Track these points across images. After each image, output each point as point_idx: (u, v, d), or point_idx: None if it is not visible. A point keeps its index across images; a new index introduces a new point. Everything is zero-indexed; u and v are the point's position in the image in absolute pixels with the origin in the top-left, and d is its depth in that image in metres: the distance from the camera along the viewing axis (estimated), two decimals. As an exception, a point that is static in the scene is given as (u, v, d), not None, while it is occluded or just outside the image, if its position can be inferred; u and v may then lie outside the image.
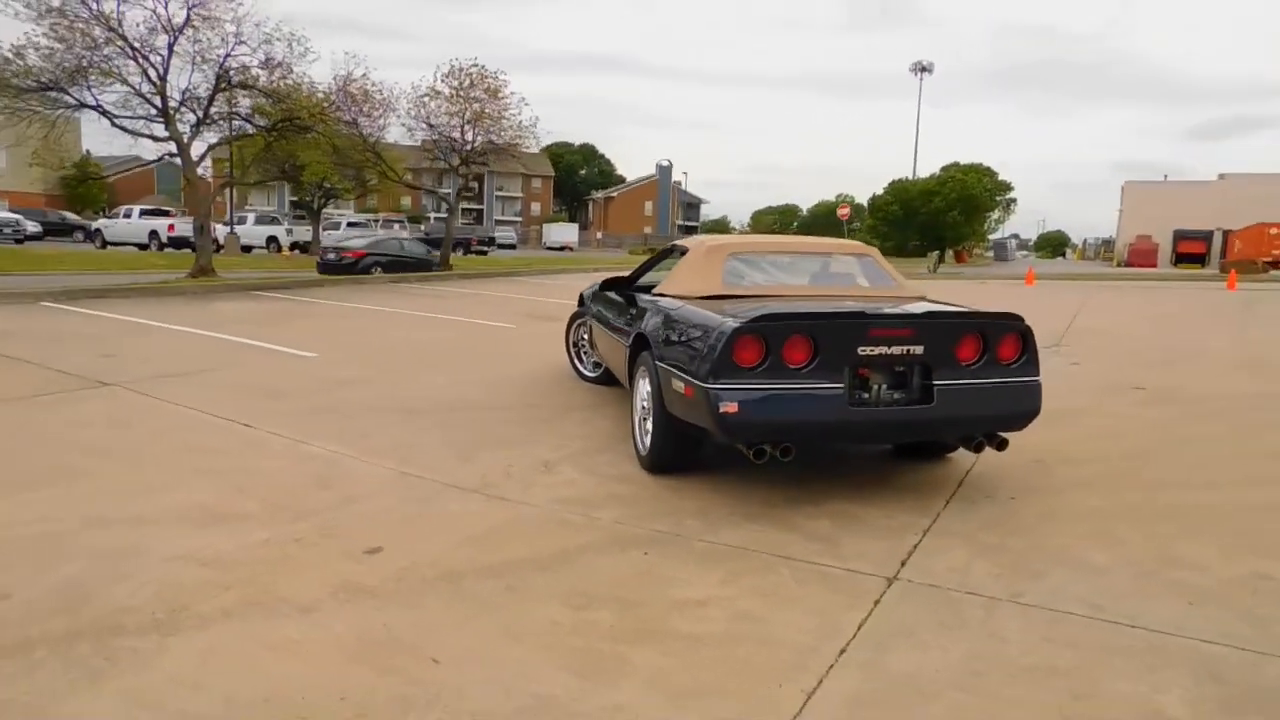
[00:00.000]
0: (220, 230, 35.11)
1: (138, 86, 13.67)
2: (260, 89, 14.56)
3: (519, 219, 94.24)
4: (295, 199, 46.26)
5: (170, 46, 13.75)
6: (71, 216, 42.68)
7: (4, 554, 3.36)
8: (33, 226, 37.00)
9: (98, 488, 4.20)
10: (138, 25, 13.36)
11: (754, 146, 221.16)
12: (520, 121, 20.57)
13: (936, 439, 4.52)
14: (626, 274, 6.32)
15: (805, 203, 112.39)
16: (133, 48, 13.37)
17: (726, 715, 2.37)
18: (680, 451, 4.43)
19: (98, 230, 35.32)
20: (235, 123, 15.60)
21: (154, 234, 33.45)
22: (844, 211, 39.77)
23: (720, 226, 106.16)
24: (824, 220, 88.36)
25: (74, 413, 5.65)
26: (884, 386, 3.96)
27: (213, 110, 14.59)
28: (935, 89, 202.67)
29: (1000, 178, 60.87)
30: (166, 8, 13.46)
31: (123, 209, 36.30)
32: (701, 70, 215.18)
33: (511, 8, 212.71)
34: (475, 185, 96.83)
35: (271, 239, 36.37)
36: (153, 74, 13.75)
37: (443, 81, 19.38)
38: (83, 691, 2.43)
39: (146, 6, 13.35)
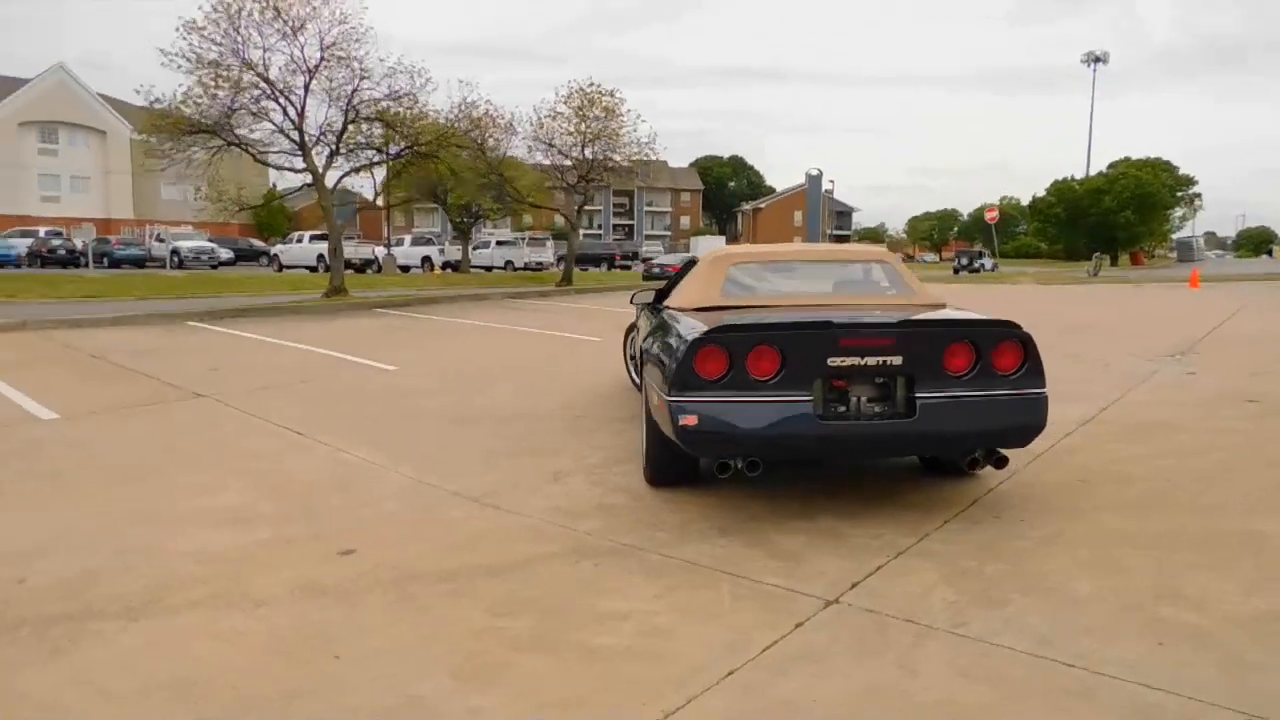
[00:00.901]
0: (379, 251, 38.05)
1: (279, 124, 15.15)
2: (384, 120, 15.73)
3: (668, 233, 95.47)
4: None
5: (306, 86, 15.15)
6: (257, 243, 47.37)
7: (51, 546, 3.82)
8: (225, 253, 41.34)
9: (153, 489, 4.69)
10: (279, 68, 14.82)
11: (914, 149, 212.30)
12: (638, 138, 20.96)
13: (923, 455, 4.24)
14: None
15: (966, 207, 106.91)
16: (276, 90, 14.82)
17: (576, 728, 2.36)
18: (675, 464, 4.38)
19: (274, 255, 38.97)
20: (365, 153, 16.90)
21: (320, 257, 36.49)
22: (992, 215, 37.62)
23: (873, 235, 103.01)
24: (984, 224, 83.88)
25: (163, 421, 6.31)
26: (864, 399, 3.77)
27: (344, 141, 15.91)
28: (1110, 79, 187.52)
29: (1181, 172, 55.48)
30: (303, 51, 14.85)
31: (295, 235, 39.84)
32: (858, 72, 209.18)
33: (662, 26, 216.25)
34: (625, 202, 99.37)
35: (425, 259, 38.92)
36: (291, 112, 15.20)
37: (564, 103, 20.09)
38: (38, 667, 2.75)
39: (285, 52, 14.78)
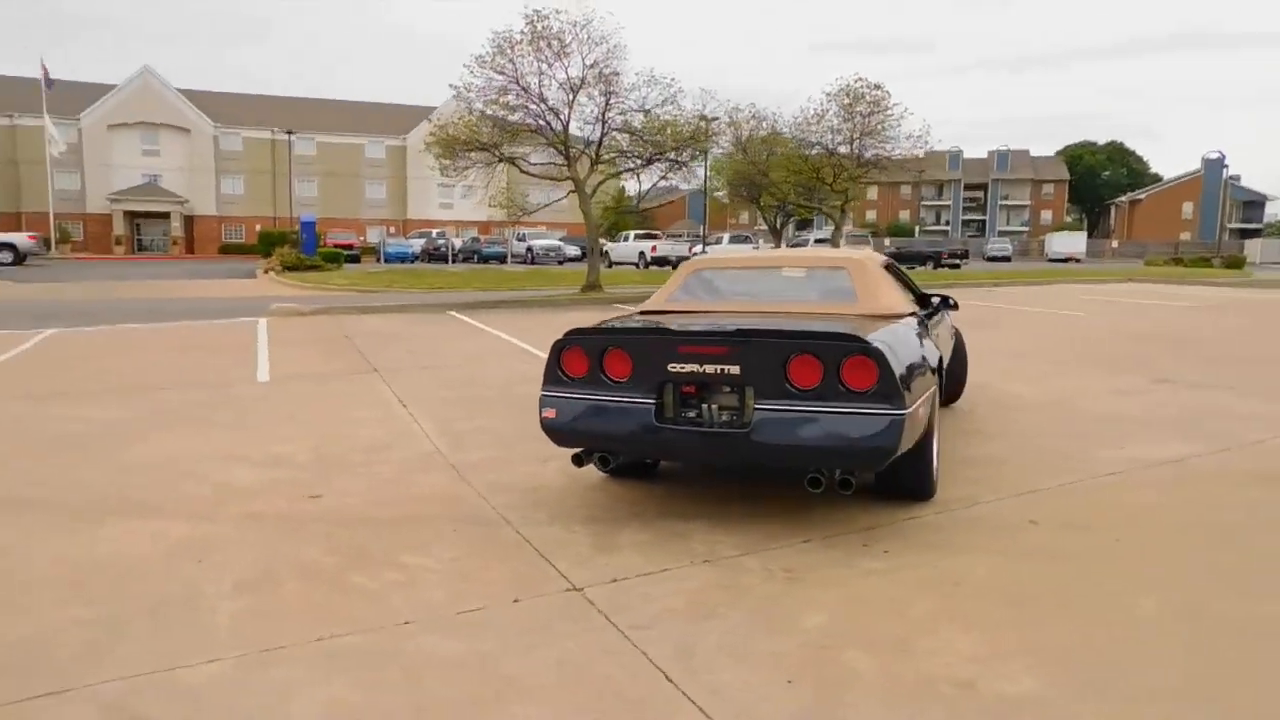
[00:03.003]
0: (696, 251, 40.23)
1: (550, 139, 17.09)
2: (629, 130, 16.95)
3: (1025, 229, 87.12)
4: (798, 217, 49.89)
5: (570, 104, 16.91)
6: (604, 241, 52.71)
7: (146, 469, 5.28)
8: (572, 251, 46.66)
9: (251, 435, 6.06)
10: (552, 89, 16.78)
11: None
12: (910, 132, 19.93)
13: (762, 467, 4.04)
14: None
15: None
16: (551, 110, 16.80)
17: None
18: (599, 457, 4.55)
19: (606, 251, 43.09)
20: (618, 160, 18.31)
21: (641, 254, 39.63)
22: None
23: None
24: None
25: (324, 389, 7.91)
26: (716, 407, 3.81)
27: (602, 150, 17.43)
28: None
29: None
30: (567, 71, 16.64)
31: (623, 234, 43.56)
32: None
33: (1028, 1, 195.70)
34: (980, 195, 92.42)
35: None
36: (557, 126, 17.05)
37: (831, 100, 19.80)
38: (49, 540, 4.03)
39: (558, 79, 16.69)
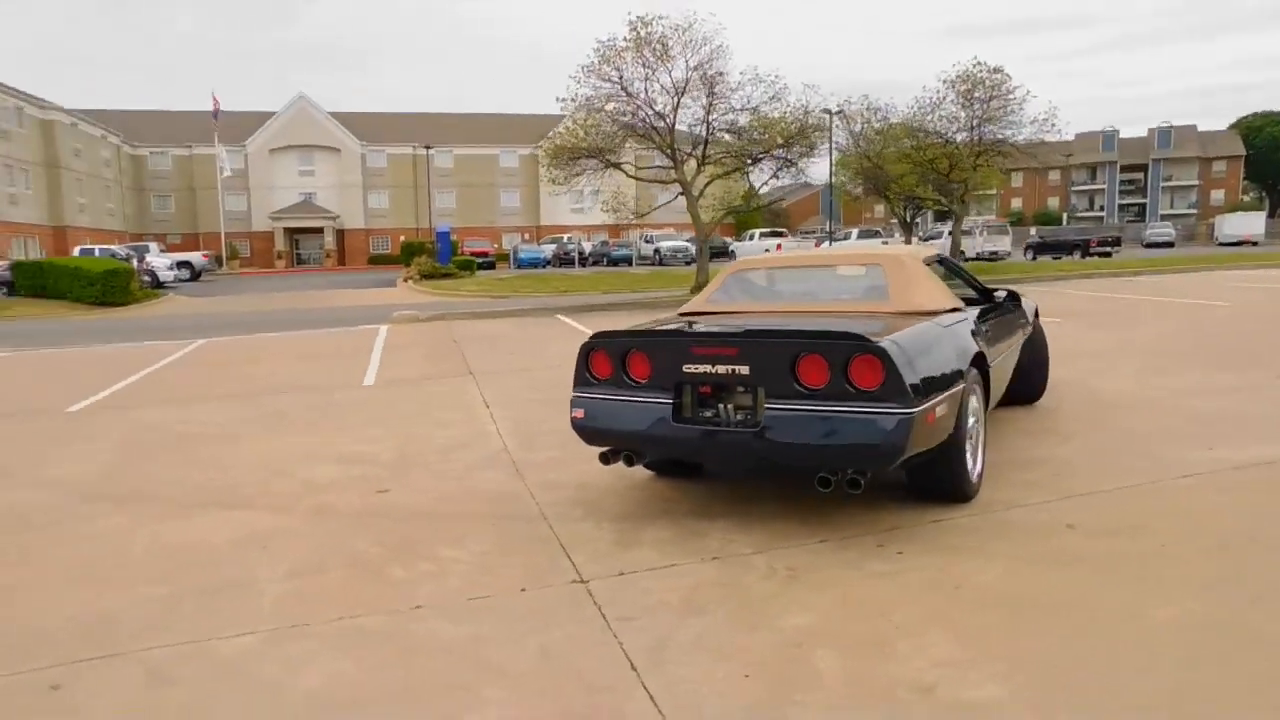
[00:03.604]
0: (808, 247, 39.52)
1: (657, 143, 17.32)
2: (732, 130, 16.88)
3: (1193, 210, 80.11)
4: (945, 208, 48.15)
5: (675, 107, 17.06)
6: (730, 241, 52.73)
7: (246, 467, 5.87)
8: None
9: (355, 435, 6.59)
10: (657, 93, 17.02)
11: None
12: (1035, 116, 18.82)
13: (775, 467, 4.01)
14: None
15: None
16: (660, 115, 17.04)
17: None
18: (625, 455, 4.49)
19: (732, 250, 43.08)
20: (725, 160, 18.26)
21: (767, 252, 39.41)
22: None
23: None
24: None
25: (420, 391, 8.43)
26: (729, 407, 3.88)
27: (708, 151, 17.47)
28: None
29: None
30: (671, 75, 16.81)
31: (749, 233, 43.43)
32: None
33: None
34: (1139, 177, 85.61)
35: None
36: (663, 129, 17.24)
37: (949, 87, 18.96)
38: (151, 528, 4.58)
39: (662, 83, 16.93)
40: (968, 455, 4.13)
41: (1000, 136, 19.32)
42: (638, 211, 19.96)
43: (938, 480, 4.11)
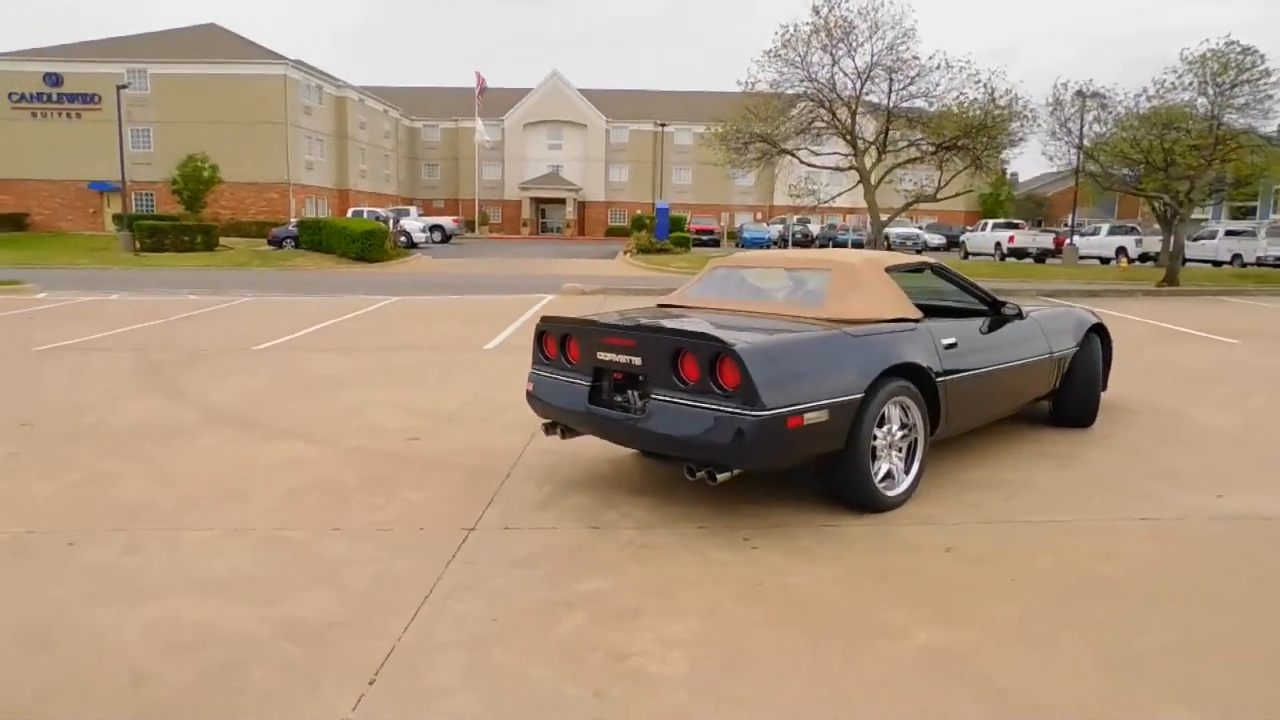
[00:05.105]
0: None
1: (839, 131, 16.97)
2: (910, 118, 15.97)
3: None
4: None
5: (858, 94, 16.57)
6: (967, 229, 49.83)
7: (336, 408, 7.05)
8: (936, 239, 45.14)
9: (440, 391, 7.63)
10: (841, 79, 16.67)
11: None
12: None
13: (653, 453, 4.27)
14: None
15: None
16: (845, 103, 16.73)
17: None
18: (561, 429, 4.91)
19: (962, 241, 40.66)
20: (903, 147, 17.35)
21: (998, 245, 36.80)
22: None
23: None
24: None
25: (509, 359, 9.30)
26: (635, 394, 4.28)
27: (888, 138, 16.77)
28: None
29: None
30: (854, 60, 16.35)
31: (981, 223, 40.74)
32: None
33: None
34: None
35: (1120, 249, 35.96)
36: (844, 116, 16.82)
37: (1189, 71, 16.60)
38: (236, 449, 5.82)
39: (844, 69, 16.57)
40: (873, 465, 4.21)
41: (1248, 123, 16.62)
42: (821, 198, 19.64)
43: (840, 486, 4.25)
